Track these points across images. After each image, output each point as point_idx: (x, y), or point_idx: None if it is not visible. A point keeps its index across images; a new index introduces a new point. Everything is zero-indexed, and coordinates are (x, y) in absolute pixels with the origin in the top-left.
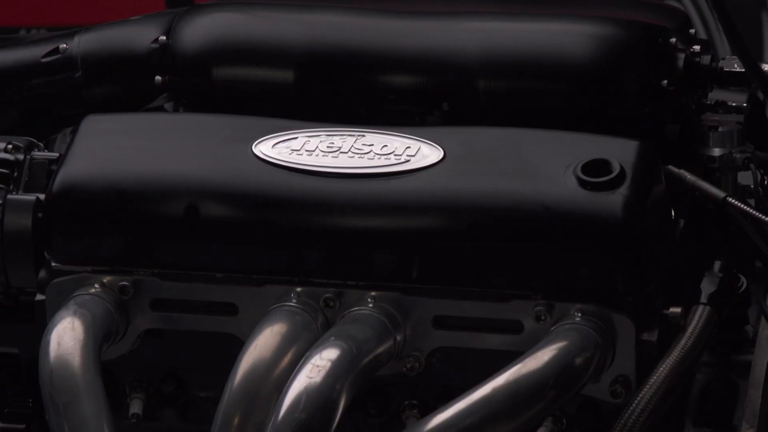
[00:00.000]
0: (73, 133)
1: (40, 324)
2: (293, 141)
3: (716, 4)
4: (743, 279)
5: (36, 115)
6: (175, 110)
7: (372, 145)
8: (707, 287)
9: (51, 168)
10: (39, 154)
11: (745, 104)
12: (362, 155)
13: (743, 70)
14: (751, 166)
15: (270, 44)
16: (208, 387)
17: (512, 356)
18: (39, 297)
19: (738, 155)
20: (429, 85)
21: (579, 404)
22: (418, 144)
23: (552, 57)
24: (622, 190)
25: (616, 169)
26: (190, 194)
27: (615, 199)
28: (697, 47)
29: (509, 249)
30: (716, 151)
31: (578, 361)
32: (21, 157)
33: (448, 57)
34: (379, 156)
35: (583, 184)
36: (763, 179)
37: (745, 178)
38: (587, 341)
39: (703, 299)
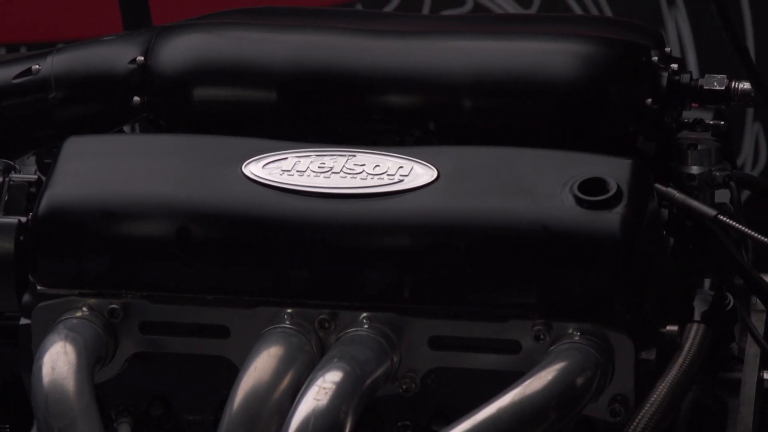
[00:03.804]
0: (56, 154)
1: (25, 348)
2: (283, 161)
3: (720, 12)
4: (730, 297)
5: (5, 136)
6: (148, 131)
7: (364, 165)
8: (699, 305)
9: (30, 190)
10: (17, 176)
11: (722, 122)
12: (354, 175)
13: (722, 88)
14: (731, 184)
15: (251, 64)
16: (197, 410)
17: (509, 376)
18: (24, 321)
19: (718, 173)
20: (414, 104)
21: (576, 424)
22: (411, 164)
23: (537, 76)
24: (620, 209)
25: (613, 188)
26: (181, 215)
27: (613, 218)
28: (675, 65)
29: (506, 268)
30: (695, 169)
31: (581, 380)
32: (0, 179)
33: (434, 76)
34: (372, 176)
35: (580, 202)
36: (732, 197)
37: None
38: (588, 361)
39: (697, 317)
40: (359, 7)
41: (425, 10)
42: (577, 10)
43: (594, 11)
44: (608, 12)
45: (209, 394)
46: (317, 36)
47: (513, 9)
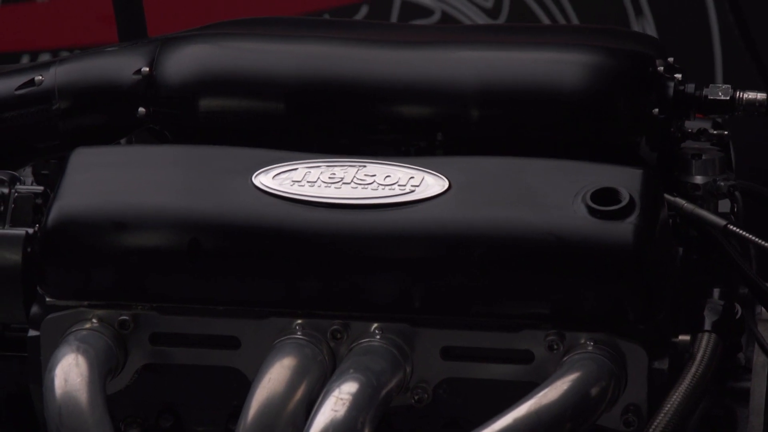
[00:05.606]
0: (64, 165)
1: (34, 360)
2: (294, 172)
3: (737, 18)
4: (738, 306)
5: (8, 147)
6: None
7: (374, 175)
8: (710, 315)
9: (36, 201)
10: (23, 187)
11: (725, 132)
12: (365, 186)
13: (727, 98)
14: (737, 193)
15: (258, 75)
16: (207, 422)
17: (521, 386)
18: (32, 333)
19: (722, 183)
20: (422, 114)
21: None
22: (422, 174)
23: (546, 85)
24: (632, 219)
25: (626, 198)
26: (191, 227)
27: (625, 228)
28: (679, 75)
29: (519, 278)
30: (699, 179)
31: (596, 391)
32: (6, 191)
33: (441, 86)
34: (383, 186)
35: (592, 212)
36: (732, 207)
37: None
38: (603, 371)
39: (708, 327)
40: (326, 16)
41: (393, 20)
42: (545, 20)
43: (562, 22)
44: (575, 22)
45: (219, 405)
46: (324, 46)
47: (481, 19)
